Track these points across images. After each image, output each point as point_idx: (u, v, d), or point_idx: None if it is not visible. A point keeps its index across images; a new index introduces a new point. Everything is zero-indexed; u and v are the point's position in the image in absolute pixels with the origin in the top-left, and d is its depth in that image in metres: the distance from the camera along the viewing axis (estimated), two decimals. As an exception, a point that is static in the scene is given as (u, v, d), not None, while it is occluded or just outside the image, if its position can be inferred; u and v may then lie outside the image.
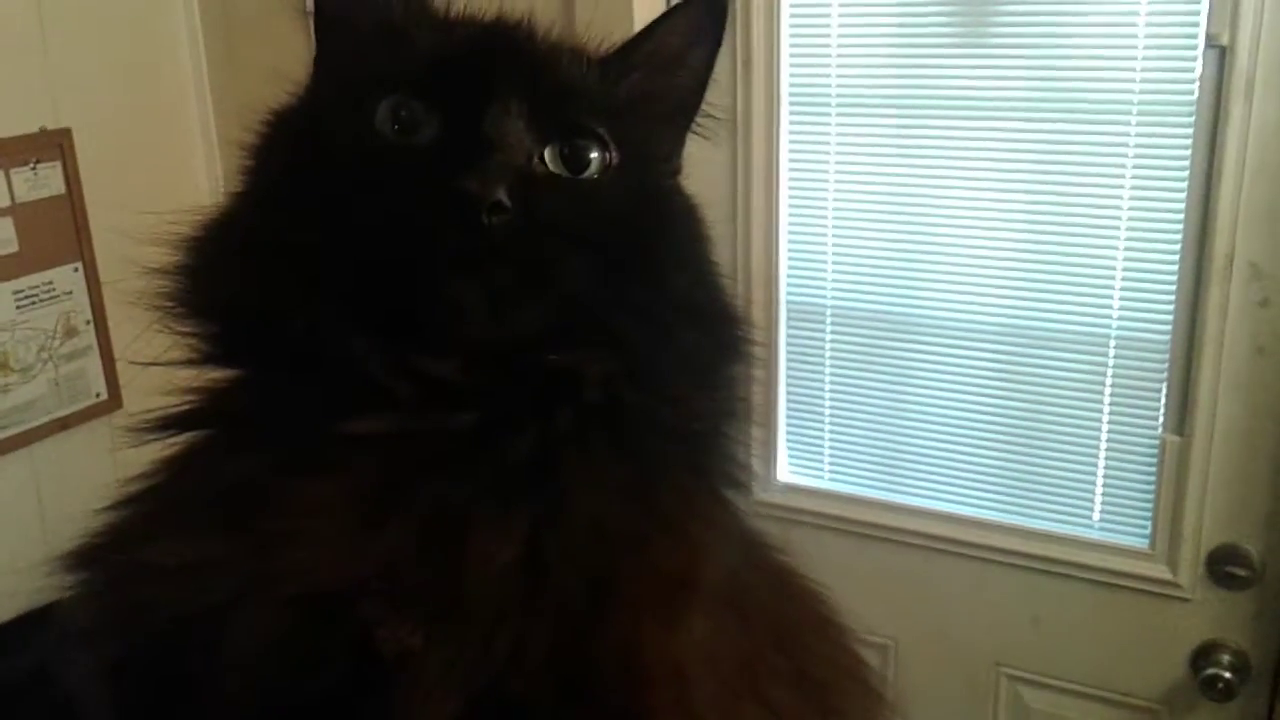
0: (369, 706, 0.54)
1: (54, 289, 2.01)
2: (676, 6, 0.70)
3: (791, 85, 1.95)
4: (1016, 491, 1.98)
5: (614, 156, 0.63)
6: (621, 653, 0.56)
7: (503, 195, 0.57)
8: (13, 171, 1.92)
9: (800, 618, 0.73)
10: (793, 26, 1.93)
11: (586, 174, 0.63)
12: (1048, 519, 1.96)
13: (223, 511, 0.58)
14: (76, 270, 2.04)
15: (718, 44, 0.71)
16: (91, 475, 2.11)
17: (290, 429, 0.59)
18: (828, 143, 1.96)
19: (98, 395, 2.11)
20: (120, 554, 0.61)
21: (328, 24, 0.71)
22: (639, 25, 0.70)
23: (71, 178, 2.01)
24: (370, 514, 0.56)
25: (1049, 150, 1.80)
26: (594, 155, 0.63)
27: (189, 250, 0.67)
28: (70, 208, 2.02)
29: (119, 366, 2.12)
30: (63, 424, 2.05)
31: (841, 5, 1.89)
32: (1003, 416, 1.95)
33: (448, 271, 0.58)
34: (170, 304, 0.66)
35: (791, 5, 1.91)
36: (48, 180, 1.98)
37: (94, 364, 2.09)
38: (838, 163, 1.96)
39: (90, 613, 0.62)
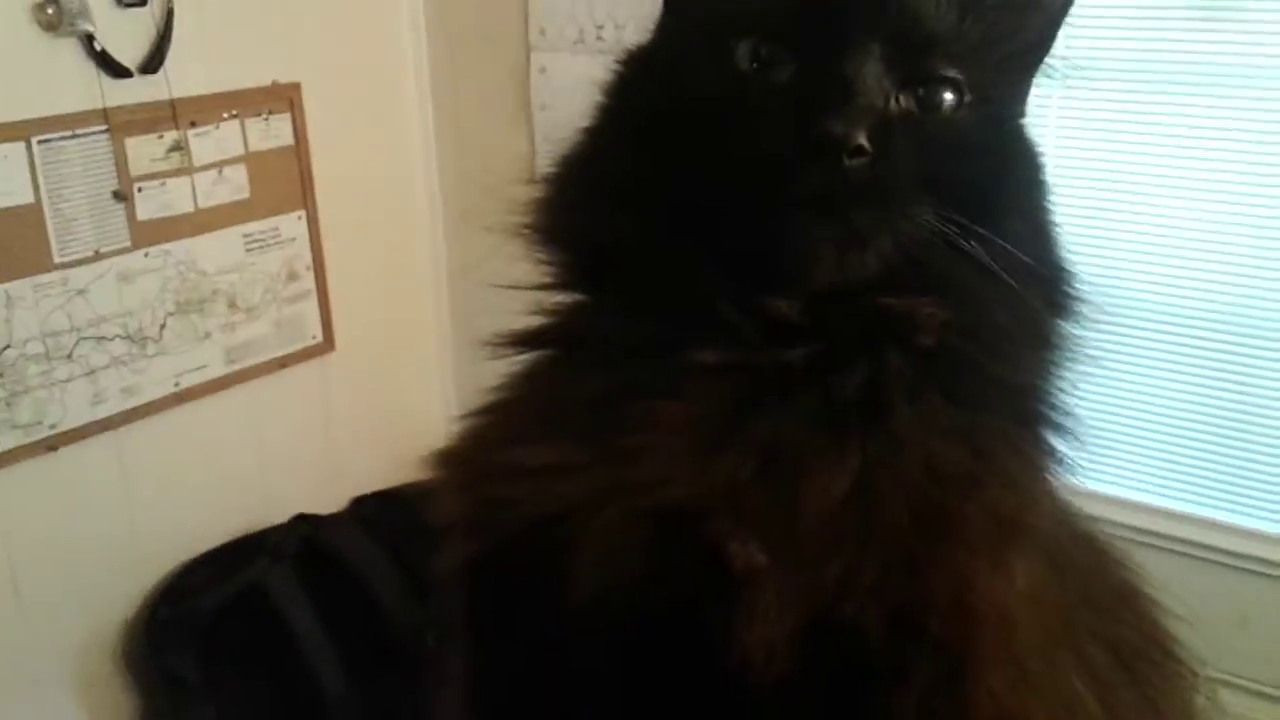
0: (712, 616, 0.56)
1: (280, 235, 2.13)
2: None
3: (1010, 52, 1.89)
4: (1229, 486, 1.89)
5: (967, 97, 0.63)
6: (953, 589, 0.57)
7: (864, 139, 0.57)
8: (247, 121, 2.03)
9: (1111, 581, 0.72)
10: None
11: (940, 112, 0.62)
12: (1262, 516, 1.86)
13: (580, 423, 0.61)
14: (300, 218, 2.15)
15: None
16: (305, 412, 2.23)
17: (638, 354, 0.62)
18: (1047, 113, 1.89)
19: (314, 337, 2.22)
20: (484, 455, 0.66)
21: None
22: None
23: (299, 129, 2.11)
24: (713, 438, 0.59)
25: (1270, 124, 1.70)
26: (948, 96, 0.63)
27: (548, 184, 0.70)
28: (297, 158, 2.12)
29: (334, 311, 2.23)
30: (281, 363, 2.17)
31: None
32: (1215, 407, 1.86)
33: (803, 212, 0.59)
34: (530, 233, 0.69)
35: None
36: (278, 131, 2.09)
37: (312, 307, 2.20)
38: (1056, 134, 1.89)
39: (452, 509, 0.67)
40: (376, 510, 2.23)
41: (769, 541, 0.57)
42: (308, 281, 2.18)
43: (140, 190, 1.91)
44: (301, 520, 2.15)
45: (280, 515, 2.14)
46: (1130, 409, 1.93)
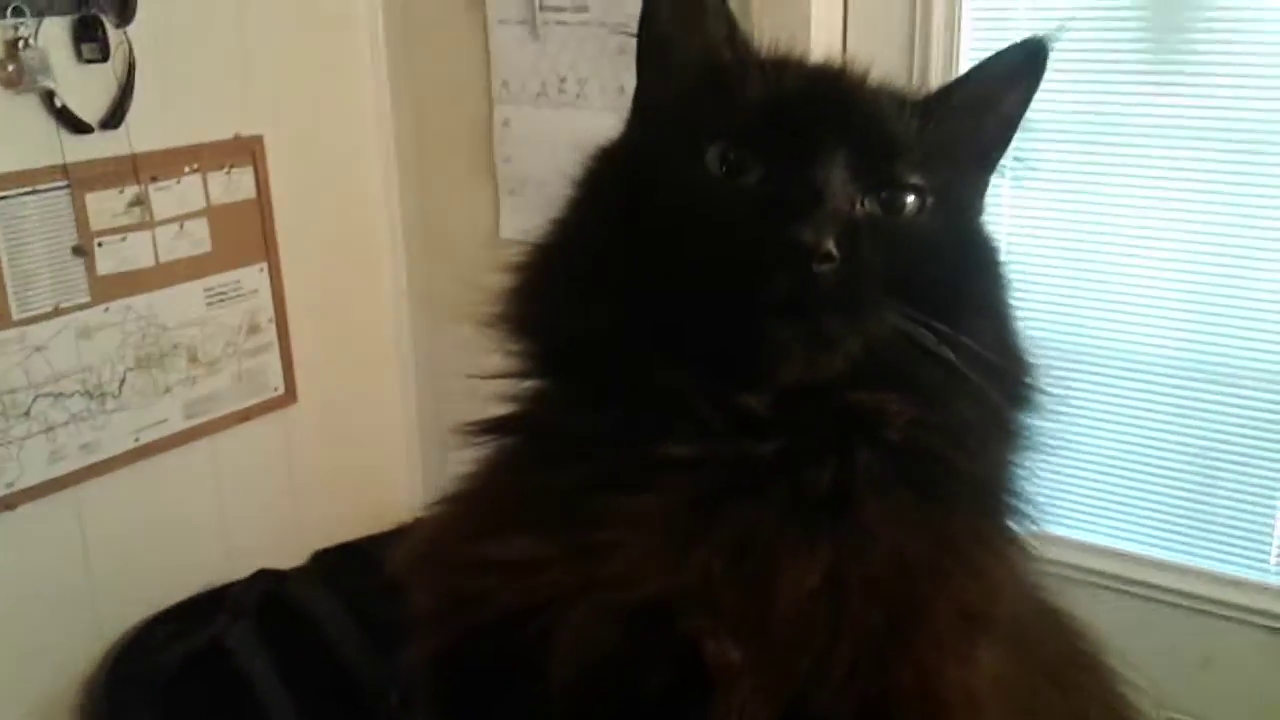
0: (688, 712, 0.57)
1: (241, 288, 2.12)
2: (999, 51, 0.71)
3: (966, 105, 1.92)
4: (1189, 530, 1.90)
5: (929, 201, 0.65)
6: (921, 679, 0.58)
7: (832, 245, 0.58)
8: (209, 175, 2.03)
9: (1071, 655, 0.74)
10: (972, 46, 1.89)
11: (902, 216, 0.65)
12: (1222, 560, 1.88)
13: (551, 516, 0.62)
14: (262, 271, 2.14)
15: (1034, 88, 0.71)
16: (267, 465, 2.22)
17: (607, 445, 0.63)
18: (1000, 165, 1.92)
19: (276, 389, 2.21)
20: (455, 548, 0.66)
21: (651, 58, 0.73)
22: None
23: (261, 182, 2.11)
24: (684, 532, 0.60)
25: (1232, 178, 1.73)
26: (911, 200, 0.65)
27: (517, 274, 0.72)
28: (259, 211, 2.12)
29: (296, 363, 2.22)
30: (243, 416, 2.16)
31: (1026, 22, 1.85)
32: (1175, 452, 1.88)
33: (773, 315, 0.60)
34: (500, 322, 0.71)
35: (973, 23, 1.88)
36: (240, 184, 2.08)
37: (274, 360, 2.19)
38: (1010, 185, 1.91)
39: (423, 601, 0.68)
40: (339, 563, 2.21)
41: (742, 637, 0.58)
42: (269, 334, 2.17)
43: (100, 245, 1.90)
44: (263, 575, 2.13)
45: (241, 570, 2.11)
46: (1091, 454, 1.95)
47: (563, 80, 2.17)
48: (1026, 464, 0.68)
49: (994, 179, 0.75)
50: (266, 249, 2.14)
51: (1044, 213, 1.90)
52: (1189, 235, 1.78)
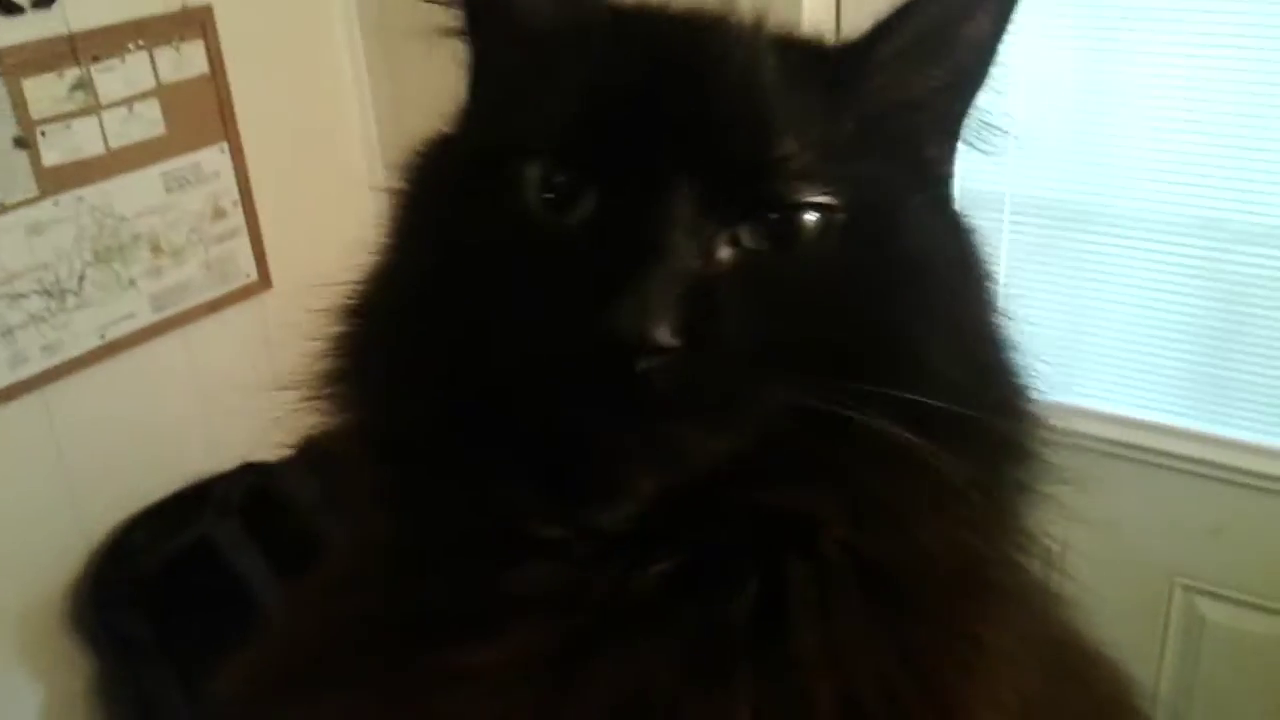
0: None
1: (201, 171, 1.99)
2: None
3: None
4: (1203, 396, 1.83)
5: (840, 216, 0.46)
6: None
7: (663, 333, 0.42)
8: (156, 51, 1.88)
9: (1086, 707, 0.60)
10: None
11: (797, 245, 0.46)
12: (1238, 426, 1.82)
13: (375, 667, 0.49)
14: (223, 151, 2.01)
15: (1008, 11, 0.52)
16: (244, 355, 2.12)
17: (444, 569, 0.49)
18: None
19: (248, 276, 2.10)
20: (266, 702, 0.55)
21: (476, 21, 0.56)
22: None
23: (214, 55, 1.96)
24: (548, 698, 0.46)
25: (1254, 29, 1.61)
26: (809, 222, 0.46)
27: (341, 324, 0.58)
28: (214, 86, 1.97)
29: (267, 246, 2.11)
30: (214, 306, 2.06)
31: None
32: (1192, 316, 1.80)
33: (600, 421, 0.44)
34: (320, 386, 0.58)
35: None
36: (191, 59, 1.93)
37: (243, 245, 2.08)
38: (1024, 39, 1.77)
39: None
40: (326, 452, 2.15)
41: None
42: (236, 218, 2.05)
43: (44, 135, 1.76)
44: (248, 468, 2.07)
45: (225, 464, 2.06)
46: (1101, 319, 1.87)
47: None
48: (1027, 516, 0.51)
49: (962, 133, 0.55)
50: (225, 128, 2.00)
51: (1053, 62, 1.77)
52: (1208, 85, 1.66)
